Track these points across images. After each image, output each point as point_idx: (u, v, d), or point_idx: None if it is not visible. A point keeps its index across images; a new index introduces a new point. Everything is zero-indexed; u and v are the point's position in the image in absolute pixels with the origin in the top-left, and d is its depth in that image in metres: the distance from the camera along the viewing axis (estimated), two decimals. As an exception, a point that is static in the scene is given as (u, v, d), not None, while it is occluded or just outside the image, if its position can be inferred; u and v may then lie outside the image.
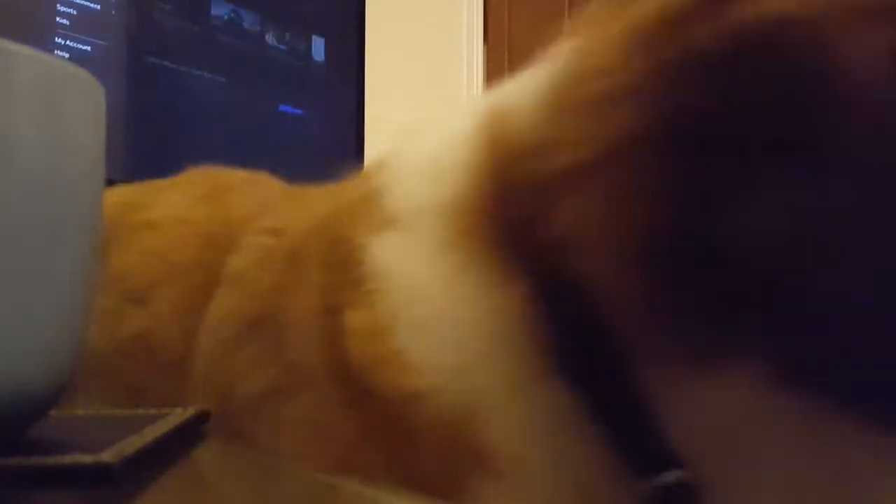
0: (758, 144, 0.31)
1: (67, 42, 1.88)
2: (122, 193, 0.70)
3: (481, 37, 3.36)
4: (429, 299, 0.39)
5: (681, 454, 0.36)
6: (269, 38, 2.29)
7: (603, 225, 0.33)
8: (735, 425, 0.35)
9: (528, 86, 0.40)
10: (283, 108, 2.31)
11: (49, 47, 1.83)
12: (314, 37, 2.41)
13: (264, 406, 0.45)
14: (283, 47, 2.32)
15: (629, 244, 0.33)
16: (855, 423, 0.33)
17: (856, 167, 0.30)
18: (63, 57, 1.85)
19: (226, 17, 2.20)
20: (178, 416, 0.38)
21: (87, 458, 0.29)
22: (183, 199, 0.65)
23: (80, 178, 0.34)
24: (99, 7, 1.95)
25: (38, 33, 1.85)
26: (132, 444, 0.32)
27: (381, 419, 0.39)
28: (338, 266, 0.43)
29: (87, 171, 0.35)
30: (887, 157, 0.29)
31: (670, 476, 0.36)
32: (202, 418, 0.40)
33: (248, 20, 2.25)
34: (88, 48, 1.92)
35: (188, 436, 0.38)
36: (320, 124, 2.42)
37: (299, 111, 2.35)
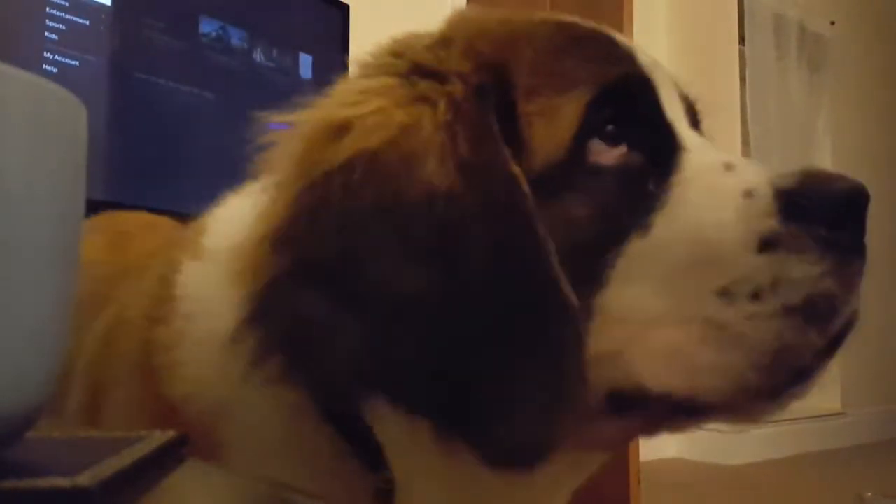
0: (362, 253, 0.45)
1: (56, 57, 1.87)
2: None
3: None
4: (208, 320, 0.51)
5: (387, 459, 0.50)
6: (257, 55, 2.30)
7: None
8: (404, 444, 0.49)
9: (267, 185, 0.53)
10: (270, 124, 2.31)
11: (38, 62, 1.82)
12: (301, 54, 2.42)
13: (105, 391, 0.57)
14: (270, 64, 2.33)
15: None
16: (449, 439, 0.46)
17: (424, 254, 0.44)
18: (51, 72, 1.85)
19: (214, 34, 2.21)
20: (156, 439, 0.38)
21: (63, 482, 0.29)
22: (91, 244, 0.73)
23: (61, 199, 0.34)
24: (88, 23, 1.95)
25: (27, 48, 1.84)
26: (109, 466, 0.31)
27: (159, 412, 0.52)
28: (162, 281, 0.56)
29: (69, 192, 0.35)
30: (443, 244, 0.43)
31: (384, 474, 0.50)
32: (181, 441, 0.40)
33: (237, 37, 2.25)
34: (77, 63, 1.91)
35: (166, 459, 0.38)
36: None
37: (286, 127, 2.35)
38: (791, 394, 0.47)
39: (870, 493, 2.13)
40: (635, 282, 0.47)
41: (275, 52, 2.34)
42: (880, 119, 4.59)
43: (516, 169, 0.46)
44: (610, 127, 0.49)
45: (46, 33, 1.87)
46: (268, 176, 0.54)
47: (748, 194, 0.46)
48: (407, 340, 0.44)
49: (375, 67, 0.53)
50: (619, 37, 0.53)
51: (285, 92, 2.47)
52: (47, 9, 1.87)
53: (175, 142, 2.10)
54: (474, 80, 0.49)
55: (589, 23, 0.53)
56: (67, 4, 1.91)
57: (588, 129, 0.48)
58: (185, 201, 2.09)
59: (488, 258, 0.44)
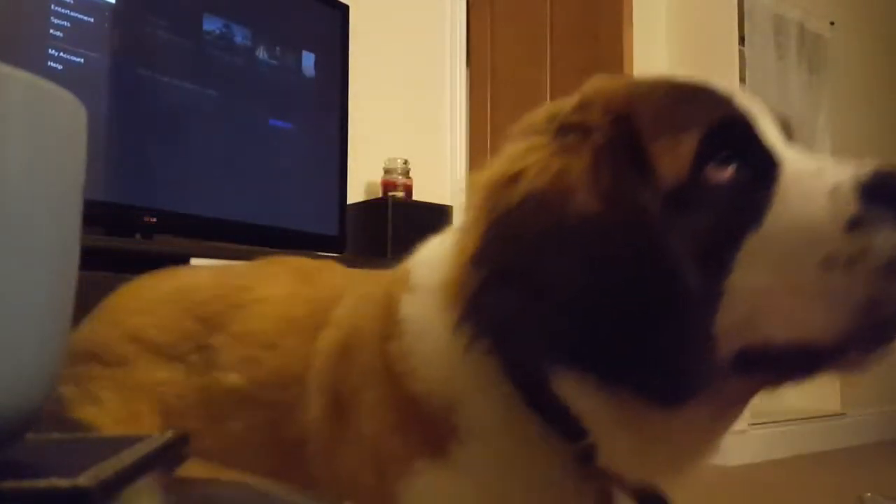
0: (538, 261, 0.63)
1: (61, 54, 1.87)
2: (219, 285, 0.96)
3: (464, 60, 3.38)
4: (429, 338, 0.70)
5: (585, 426, 0.65)
6: (260, 53, 2.30)
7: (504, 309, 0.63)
8: (607, 415, 0.64)
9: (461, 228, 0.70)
10: (272, 122, 2.31)
11: (42, 59, 1.83)
12: (304, 52, 2.42)
13: (353, 395, 0.75)
14: (273, 62, 2.33)
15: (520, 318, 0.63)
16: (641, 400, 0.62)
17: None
18: (56, 69, 1.85)
19: (218, 32, 2.21)
20: (156, 439, 0.38)
21: (63, 483, 0.29)
22: (280, 282, 0.94)
23: (61, 199, 0.34)
24: (92, 20, 1.95)
25: (32, 45, 1.85)
26: (109, 467, 0.31)
27: (404, 402, 0.70)
28: (387, 310, 0.74)
29: (69, 192, 0.35)
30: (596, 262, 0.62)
31: (582, 441, 0.65)
32: (181, 442, 0.40)
33: (240, 35, 2.26)
34: (81, 60, 1.91)
35: (166, 459, 0.38)
36: (308, 139, 2.42)
37: (288, 125, 2.35)
38: (886, 342, 0.61)
39: (869, 494, 2.13)
40: (754, 265, 0.62)
41: (278, 50, 2.34)
42: (880, 119, 4.59)
43: (647, 193, 0.63)
44: (720, 154, 0.64)
45: (51, 30, 1.87)
46: (459, 222, 0.71)
47: (835, 189, 0.61)
48: (580, 322, 0.61)
49: (535, 129, 0.70)
50: (719, 85, 0.69)
51: (288, 90, 2.48)
52: (52, 6, 1.87)
53: (176, 137, 2.10)
54: (610, 131, 0.66)
55: (694, 77, 0.70)
56: (72, 2, 1.91)
57: (702, 158, 0.64)
58: (186, 200, 2.10)
59: (629, 262, 0.62)
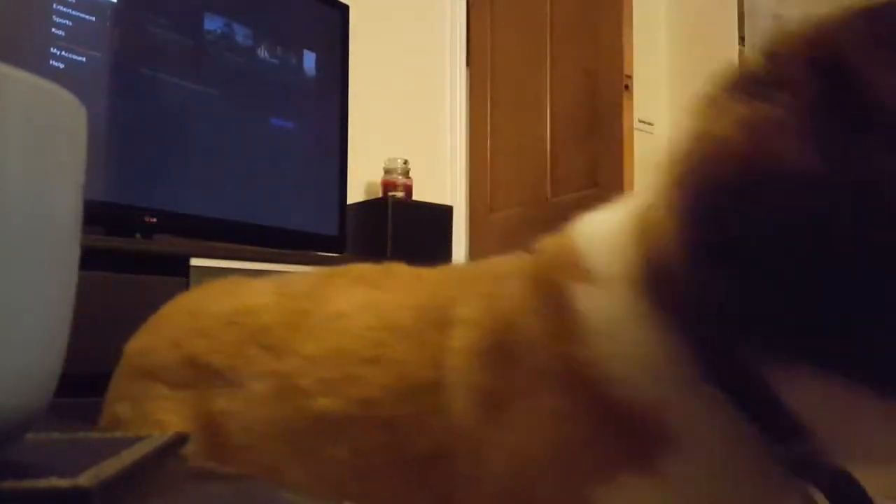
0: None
1: (63, 53, 1.88)
2: (280, 307, 0.88)
3: (464, 60, 3.38)
4: (622, 335, 0.60)
5: (805, 428, 0.55)
6: (262, 52, 2.30)
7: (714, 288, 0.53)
8: (834, 408, 0.53)
9: (649, 205, 0.61)
10: (273, 121, 2.31)
11: (44, 58, 1.83)
12: (305, 51, 2.42)
13: (522, 400, 0.65)
14: (275, 61, 2.33)
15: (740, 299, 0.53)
16: None
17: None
18: (58, 68, 1.85)
19: (219, 31, 2.21)
20: (156, 439, 0.38)
21: (63, 483, 0.29)
22: (353, 293, 0.85)
23: (62, 201, 0.34)
24: (94, 19, 1.95)
25: (34, 44, 1.85)
26: (109, 467, 0.31)
27: (599, 411, 0.60)
28: (554, 303, 0.64)
29: (68, 193, 0.35)
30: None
31: (799, 443, 0.55)
32: (180, 441, 0.40)
33: (241, 34, 2.26)
34: (83, 59, 1.91)
35: (166, 459, 0.38)
36: (308, 138, 2.42)
37: (289, 124, 2.35)
38: None
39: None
40: None
41: (279, 49, 2.34)
42: (881, 120, 4.57)
43: (875, 146, 0.50)
44: None
45: (53, 29, 1.87)
46: (641, 199, 0.63)
47: None
48: (815, 305, 0.50)
49: (725, 92, 0.59)
50: None
51: (290, 89, 2.48)
52: (54, 5, 1.88)
53: (178, 136, 2.10)
54: (817, 82, 0.53)
55: None
56: (74, 1, 1.91)
57: None
58: (186, 200, 2.10)
59: (864, 227, 0.49)
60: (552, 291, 0.65)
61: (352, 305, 0.83)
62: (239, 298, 0.92)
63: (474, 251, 3.37)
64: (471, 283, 0.78)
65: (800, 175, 0.51)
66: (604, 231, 0.66)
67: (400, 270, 0.90)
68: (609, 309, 0.62)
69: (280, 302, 0.89)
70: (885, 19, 0.53)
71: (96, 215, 1.87)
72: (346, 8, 2.55)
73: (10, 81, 0.32)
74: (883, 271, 0.50)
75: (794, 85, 0.54)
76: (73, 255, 0.35)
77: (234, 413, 0.82)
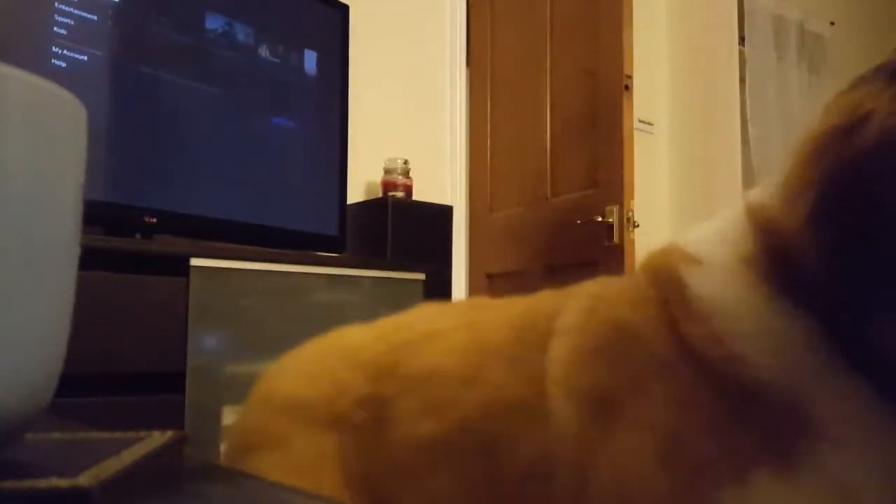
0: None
1: (64, 51, 1.88)
2: (374, 347, 0.85)
3: (464, 60, 3.38)
4: (745, 319, 0.58)
5: None
6: (263, 51, 2.30)
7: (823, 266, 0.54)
8: None
9: (766, 193, 0.61)
10: (274, 120, 2.31)
11: (46, 57, 1.83)
12: (306, 50, 2.42)
13: (632, 394, 0.62)
14: (276, 60, 2.33)
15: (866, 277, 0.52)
16: None
17: None
18: (60, 66, 1.85)
19: (220, 30, 2.21)
20: (156, 439, 0.38)
21: (63, 483, 0.29)
22: (439, 322, 0.84)
23: (61, 199, 0.34)
24: (96, 18, 1.95)
25: (36, 43, 1.85)
26: (109, 466, 0.31)
27: (726, 396, 0.57)
28: (663, 293, 0.63)
29: (68, 193, 0.35)
30: None
31: None
32: (180, 441, 0.40)
33: (242, 33, 2.26)
34: (85, 58, 1.92)
35: (166, 459, 0.38)
36: (309, 138, 2.42)
37: (290, 124, 2.35)
38: None
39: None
40: None
41: (281, 49, 2.34)
42: (881, 120, 4.57)
43: None
44: None
45: (55, 28, 1.87)
46: (770, 185, 0.62)
47: None
48: None
49: (865, 79, 0.61)
50: None
51: (291, 88, 2.48)
52: (56, 4, 1.88)
53: (179, 135, 2.10)
54: None
55: None
56: (76, 0, 1.91)
57: None
58: (186, 200, 2.10)
59: None
60: (664, 278, 0.64)
61: (442, 328, 0.82)
62: (317, 348, 0.90)
63: (474, 251, 3.37)
64: (572, 295, 0.75)
65: None
66: (712, 230, 0.66)
67: (485, 301, 0.89)
68: (729, 291, 0.60)
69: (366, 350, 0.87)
70: None
71: (96, 215, 1.87)
72: (346, 8, 2.55)
73: (10, 81, 0.32)
74: None
75: None
76: (73, 255, 0.35)
77: (336, 455, 0.79)
